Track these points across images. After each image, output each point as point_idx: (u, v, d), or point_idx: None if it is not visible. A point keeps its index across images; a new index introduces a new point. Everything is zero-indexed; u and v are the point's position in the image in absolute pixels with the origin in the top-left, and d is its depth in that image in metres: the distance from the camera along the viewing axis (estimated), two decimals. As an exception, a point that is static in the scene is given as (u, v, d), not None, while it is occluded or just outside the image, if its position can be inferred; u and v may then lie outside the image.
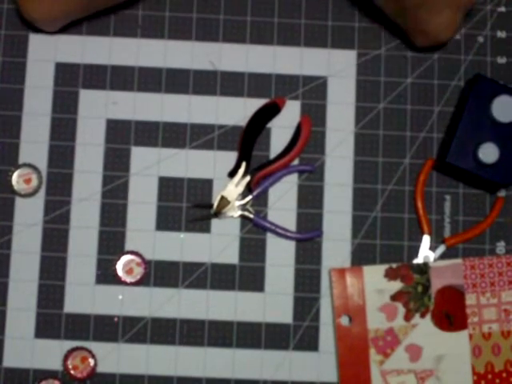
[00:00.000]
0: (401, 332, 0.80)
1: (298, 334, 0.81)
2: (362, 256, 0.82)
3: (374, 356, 0.80)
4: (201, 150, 0.83)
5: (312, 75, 0.84)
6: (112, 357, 0.80)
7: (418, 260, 0.82)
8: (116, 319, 0.80)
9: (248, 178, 0.82)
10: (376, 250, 0.82)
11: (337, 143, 0.83)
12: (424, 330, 0.80)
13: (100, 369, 0.80)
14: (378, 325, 0.80)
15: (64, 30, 0.84)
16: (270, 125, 0.83)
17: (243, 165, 0.82)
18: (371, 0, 0.82)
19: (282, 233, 0.81)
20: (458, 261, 0.81)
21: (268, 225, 0.81)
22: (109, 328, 0.80)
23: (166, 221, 0.82)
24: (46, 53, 0.84)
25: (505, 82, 0.83)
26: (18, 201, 0.82)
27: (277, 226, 0.81)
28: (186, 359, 0.80)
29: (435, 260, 0.82)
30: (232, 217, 0.82)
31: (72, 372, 0.79)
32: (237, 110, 0.83)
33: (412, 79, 0.85)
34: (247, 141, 0.82)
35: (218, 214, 0.81)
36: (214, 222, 0.82)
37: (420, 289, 0.81)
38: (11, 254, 0.81)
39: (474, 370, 0.80)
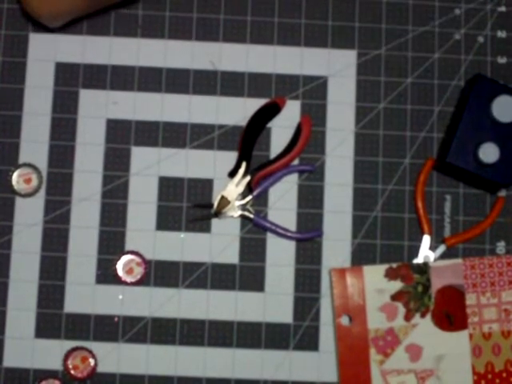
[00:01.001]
0: (401, 332, 0.80)
1: (298, 334, 0.81)
2: (362, 256, 0.82)
3: (374, 356, 0.80)
4: (201, 149, 0.83)
5: (312, 75, 0.84)
6: (112, 357, 0.80)
7: (418, 260, 0.82)
8: (116, 319, 0.80)
9: (248, 178, 0.82)
10: (376, 249, 0.82)
11: (337, 143, 0.83)
12: (424, 329, 0.80)
13: (100, 369, 0.80)
14: (378, 325, 0.80)
15: (64, 29, 0.84)
16: (270, 125, 0.83)
17: (243, 165, 0.82)
18: None
19: (282, 233, 0.81)
20: (458, 261, 0.81)
21: (268, 225, 0.81)
22: (109, 328, 0.80)
23: (166, 221, 0.82)
24: (46, 52, 0.84)
25: (505, 82, 0.83)
26: (18, 201, 0.82)
27: (277, 225, 0.81)
28: (186, 359, 0.80)
29: (435, 260, 0.82)
30: (232, 217, 0.82)
31: (72, 372, 0.79)
32: (237, 110, 0.83)
33: (412, 79, 0.85)
34: (247, 141, 0.82)
35: (218, 213, 0.81)
36: (214, 222, 0.82)
37: (420, 289, 0.81)
38: (11, 254, 0.81)
39: (474, 369, 0.80)
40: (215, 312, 0.81)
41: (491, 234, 0.83)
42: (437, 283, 0.81)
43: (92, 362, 0.79)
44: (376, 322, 0.80)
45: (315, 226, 0.82)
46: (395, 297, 0.81)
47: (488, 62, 0.85)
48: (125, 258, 0.81)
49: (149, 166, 0.83)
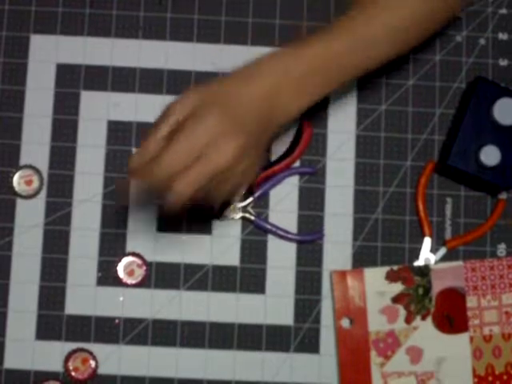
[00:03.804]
0: (402, 334, 0.80)
1: (299, 336, 0.81)
2: (363, 258, 0.82)
3: (374, 358, 0.80)
4: (202, 151, 0.83)
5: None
6: (113, 358, 0.80)
7: (419, 262, 0.82)
8: (117, 321, 0.80)
9: (249, 180, 0.82)
10: (377, 252, 0.82)
11: (338, 145, 0.83)
12: (425, 332, 0.80)
13: (101, 370, 0.80)
14: (378, 327, 0.80)
15: (65, 30, 0.84)
16: (271, 127, 0.83)
17: (244, 167, 0.81)
18: None
19: (283, 235, 0.81)
20: (459, 263, 0.81)
21: (269, 227, 0.81)
22: (110, 330, 0.80)
23: (168, 222, 0.82)
24: (47, 54, 0.84)
25: (506, 85, 0.83)
26: (19, 202, 0.82)
27: (278, 227, 0.81)
28: (187, 361, 0.80)
29: (436, 262, 0.82)
30: (233, 219, 0.82)
31: (73, 374, 0.79)
32: (238, 112, 0.83)
33: (413, 81, 0.85)
34: (248, 143, 0.82)
35: (219, 215, 0.81)
36: (215, 224, 0.82)
37: (421, 291, 0.81)
38: (12, 256, 0.81)
39: (474, 372, 0.80)
40: (216, 314, 0.81)
41: (492, 236, 0.83)
42: (437, 286, 0.81)
43: (93, 363, 0.79)
44: (377, 324, 0.80)
45: (316, 228, 0.82)
46: (396, 299, 0.81)
47: (489, 65, 0.85)
48: (126, 260, 0.81)
49: (150, 168, 0.82)
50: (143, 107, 0.83)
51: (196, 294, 0.81)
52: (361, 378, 0.80)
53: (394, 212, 0.83)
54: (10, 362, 0.80)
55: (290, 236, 0.81)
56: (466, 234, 0.82)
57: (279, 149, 0.83)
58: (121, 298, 0.81)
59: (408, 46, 0.71)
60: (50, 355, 0.80)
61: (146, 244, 0.81)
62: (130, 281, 0.81)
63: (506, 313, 0.81)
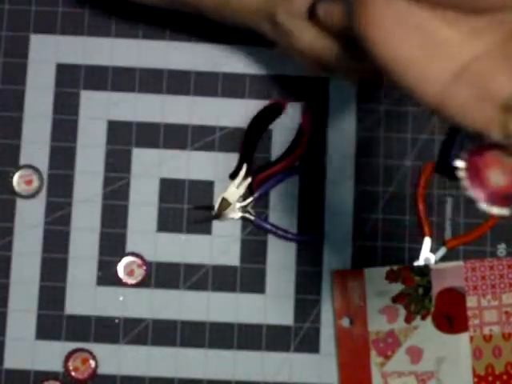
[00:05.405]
0: (401, 334, 0.80)
1: (299, 336, 0.81)
2: (363, 258, 0.82)
3: (374, 358, 0.80)
4: (202, 151, 0.83)
5: (314, 76, 0.84)
6: (113, 358, 0.80)
7: (419, 262, 0.82)
8: (117, 321, 0.80)
9: (249, 180, 0.82)
10: (377, 252, 0.82)
11: (338, 145, 0.83)
12: (425, 332, 0.80)
13: (101, 370, 0.80)
14: (378, 327, 0.80)
15: (65, 30, 0.84)
16: (271, 126, 0.83)
17: (244, 166, 0.82)
18: None
19: (283, 235, 0.81)
20: (459, 263, 0.81)
21: (269, 227, 0.81)
22: (110, 329, 0.80)
23: (167, 222, 0.82)
24: (46, 54, 0.84)
25: (506, 85, 0.83)
26: (19, 202, 0.82)
27: (278, 227, 0.81)
28: (187, 361, 0.80)
29: (436, 262, 0.82)
30: (233, 218, 0.82)
31: (73, 373, 0.79)
32: (238, 112, 0.83)
33: (413, 81, 0.84)
34: (249, 142, 0.82)
35: (219, 215, 0.81)
36: (215, 224, 0.82)
37: (421, 291, 0.81)
38: (12, 256, 0.81)
39: (474, 372, 0.80)
40: (216, 314, 0.81)
41: (492, 236, 0.83)
42: (437, 285, 0.81)
43: (93, 363, 0.79)
44: (377, 324, 0.80)
45: (316, 228, 0.82)
46: (396, 299, 0.81)
47: (489, 65, 0.85)
48: (126, 260, 0.81)
49: (150, 168, 0.82)
50: (143, 107, 0.83)
51: (196, 294, 0.81)
52: (361, 377, 0.80)
53: (394, 212, 0.83)
54: (10, 362, 0.80)
55: (290, 236, 0.81)
56: (466, 233, 0.83)
57: (279, 148, 0.83)
58: (121, 298, 0.81)
59: None
60: (50, 355, 0.80)
61: (146, 244, 0.81)
62: (130, 281, 0.81)
63: (506, 313, 0.81)
